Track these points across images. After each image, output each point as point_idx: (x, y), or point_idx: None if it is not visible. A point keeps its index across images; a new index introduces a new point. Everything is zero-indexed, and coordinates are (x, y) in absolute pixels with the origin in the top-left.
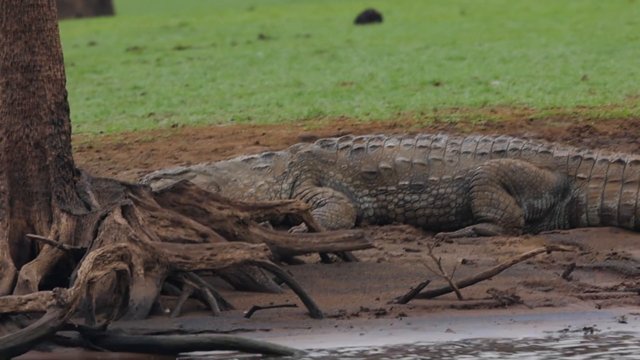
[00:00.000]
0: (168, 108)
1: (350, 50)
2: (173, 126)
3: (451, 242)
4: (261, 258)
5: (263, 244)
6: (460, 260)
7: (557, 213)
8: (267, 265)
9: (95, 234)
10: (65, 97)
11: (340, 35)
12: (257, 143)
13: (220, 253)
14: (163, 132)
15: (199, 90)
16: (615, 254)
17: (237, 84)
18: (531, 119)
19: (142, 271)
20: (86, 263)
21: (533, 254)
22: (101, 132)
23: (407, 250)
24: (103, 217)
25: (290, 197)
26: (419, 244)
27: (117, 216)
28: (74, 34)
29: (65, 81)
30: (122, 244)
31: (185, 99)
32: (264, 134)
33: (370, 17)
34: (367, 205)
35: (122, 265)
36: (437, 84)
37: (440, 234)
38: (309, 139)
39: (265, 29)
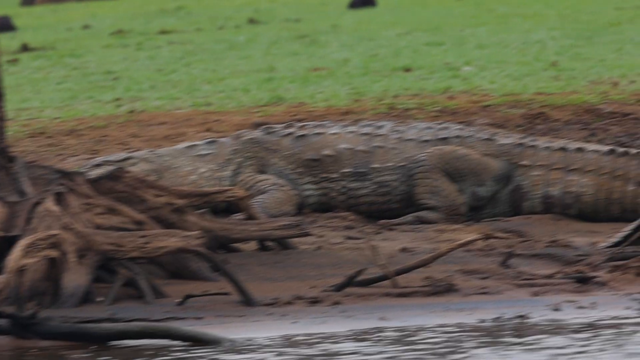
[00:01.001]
0: (137, 93)
1: (333, 36)
2: (130, 112)
3: (392, 229)
4: (195, 246)
5: (197, 232)
6: (399, 248)
7: (500, 200)
8: (200, 253)
9: (28, 221)
10: (0, 83)
11: (329, 20)
12: (208, 130)
13: (153, 241)
14: (117, 117)
15: (171, 76)
16: (555, 241)
17: (210, 68)
18: (487, 106)
19: (75, 259)
20: (16, 251)
21: (469, 242)
22: (56, 118)
23: (348, 238)
24: (36, 204)
25: (232, 185)
26: (360, 231)
27: (50, 203)
28: (72, 17)
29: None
30: (54, 232)
31: (155, 84)
32: (216, 120)
33: (364, 1)
34: (309, 192)
35: (54, 253)
36: (407, 70)
37: (382, 221)
38: (261, 125)
39: (257, 13)
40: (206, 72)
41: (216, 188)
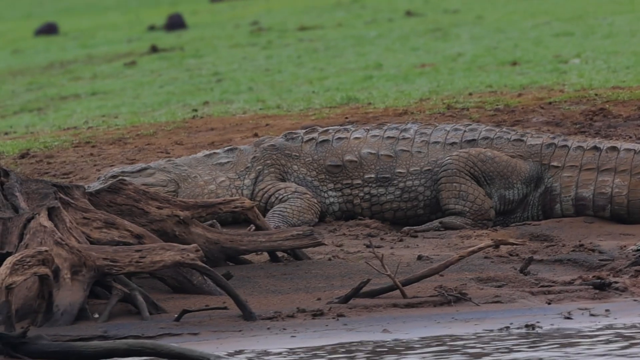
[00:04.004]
0: (231, 96)
1: (467, 28)
2: (193, 117)
3: (416, 236)
4: (192, 260)
5: (194, 245)
6: (417, 256)
7: (530, 204)
8: (197, 267)
9: (21, 237)
10: None
11: (476, 12)
12: (255, 135)
13: (149, 255)
14: (167, 125)
15: (275, 76)
16: (582, 245)
17: (319, 67)
18: (549, 103)
19: (69, 275)
20: (3, 268)
21: (480, 249)
22: (108, 127)
23: (367, 246)
24: (29, 220)
25: (252, 193)
26: (381, 239)
27: (43, 219)
28: (247, 13)
29: None
30: (43, 248)
31: (254, 86)
32: (267, 125)
33: None
34: (332, 200)
35: (44, 270)
36: (514, 64)
37: (406, 228)
38: (308, 129)
39: (413, 5)
40: (314, 71)
41: (221, 199)
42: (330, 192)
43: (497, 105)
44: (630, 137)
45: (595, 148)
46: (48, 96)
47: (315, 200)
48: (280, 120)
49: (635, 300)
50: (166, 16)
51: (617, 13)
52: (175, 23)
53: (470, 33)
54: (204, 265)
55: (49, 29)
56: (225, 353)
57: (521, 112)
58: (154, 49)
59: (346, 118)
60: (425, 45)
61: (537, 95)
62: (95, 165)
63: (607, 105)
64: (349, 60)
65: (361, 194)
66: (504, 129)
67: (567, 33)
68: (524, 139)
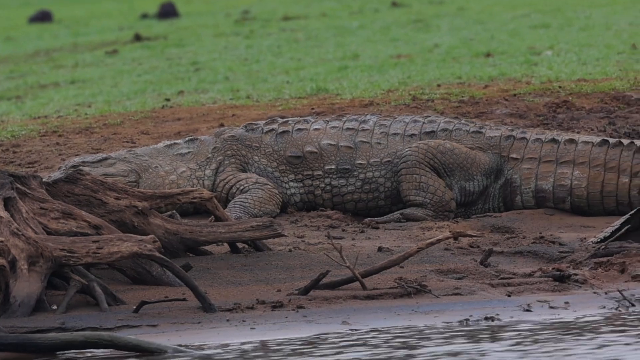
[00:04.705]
0: (207, 85)
1: (448, 19)
2: (162, 107)
3: (377, 228)
4: (149, 251)
5: (151, 236)
6: (378, 248)
7: (490, 195)
8: (155, 258)
9: None
10: None
11: (460, 2)
12: (221, 125)
13: (106, 246)
14: (134, 114)
15: (252, 66)
16: (542, 237)
17: (297, 57)
18: (514, 95)
19: (26, 266)
20: None
21: (438, 241)
22: (78, 116)
23: (329, 237)
24: None
25: (213, 184)
26: (343, 230)
27: None
28: (237, 3)
29: None
30: None
31: (230, 75)
32: (233, 115)
33: None
34: (293, 190)
35: (0, 261)
36: (488, 55)
37: (367, 219)
38: (274, 120)
39: None
40: (291, 61)
41: (180, 189)
42: (291, 183)
43: (462, 96)
44: (592, 130)
45: (554, 140)
46: (28, 84)
47: (277, 191)
48: (247, 111)
49: (595, 293)
50: (159, 4)
51: (595, 6)
52: (168, 11)
53: (450, 24)
54: (161, 256)
55: (43, 17)
56: (183, 345)
57: (485, 104)
58: (138, 38)
59: (312, 109)
60: (406, 36)
61: (503, 87)
62: (60, 154)
63: (571, 98)
64: (328, 51)
65: (322, 185)
66: (462, 121)
67: (544, 25)
68: (483, 131)
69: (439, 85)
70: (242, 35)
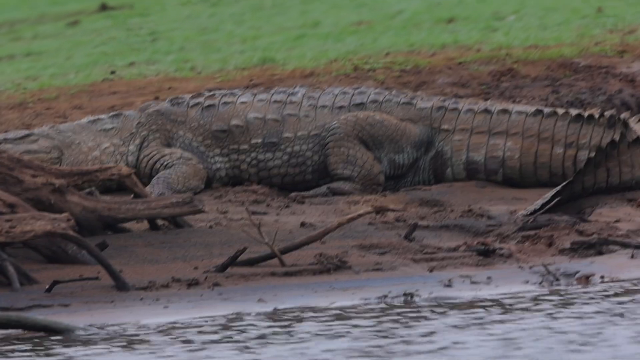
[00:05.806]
0: (160, 56)
1: None
2: (103, 80)
3: (303, 202)
4: (63, 229)
5: (65, 215)
6: (300, 223)
7: (420, 168)
8: (68, 236)
9: None
10: None
11: None
12: (157, 98)
13: (19, 225)
14: (70, 89)
15: (210, 35)
16: (471, 210)
17: (257, 26)
18: (459, 63)
19: None
20: None
21: (359, 216)
22: (15, 91)
23: (253, 213)
24: None
25: (137, 160)
26: (268, 205)
27: None
28: None
29: None
30: None
31: (186, 45)
32: (170, 88)
33: None
34: (218, 165)
35: None
36: (450, 21)
37: (293, 194)
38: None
39: None
40: (250, 30)
41: (97, 166)
42: (217, 158)
43: (405, 66)
44: (534, 99)
45: (487, 111)
46: None
47: (202, 166)
48: (186, 84)
49: (519, 267)
50: None
51: None
52: None
53: None
54: (75, 234)
55: None
56: (94, 325)
57: (428, 73)
58: (104, 7)
59: (251, 80)
60: (372, 1)
61: (450, 55)
62: None
63: (517, 66)
64: (290, 19)
65: (248, 159)
66: (393, 92)
67: None
68: (414, 102)
69: (387, 54)
70: (209, 3)
